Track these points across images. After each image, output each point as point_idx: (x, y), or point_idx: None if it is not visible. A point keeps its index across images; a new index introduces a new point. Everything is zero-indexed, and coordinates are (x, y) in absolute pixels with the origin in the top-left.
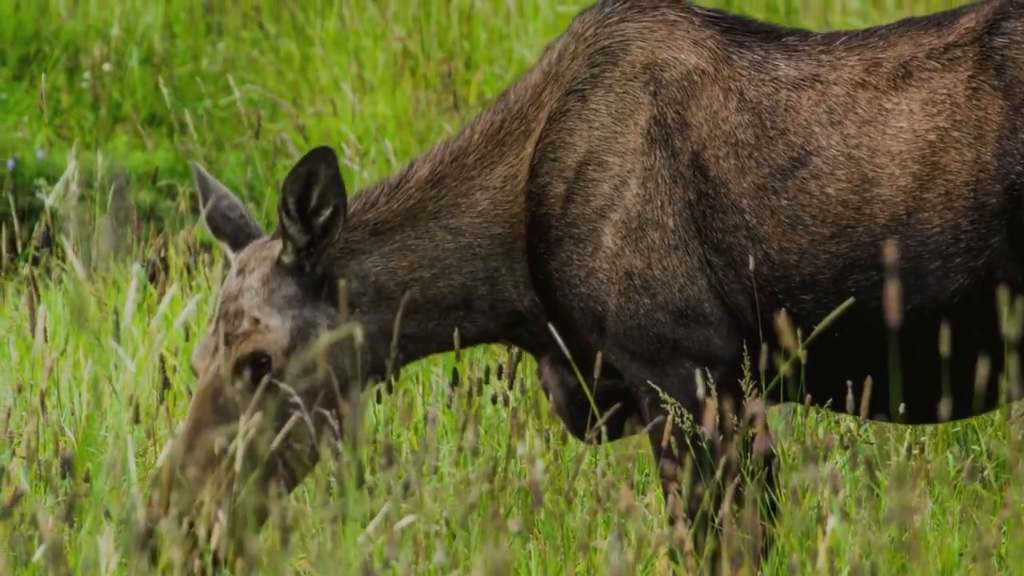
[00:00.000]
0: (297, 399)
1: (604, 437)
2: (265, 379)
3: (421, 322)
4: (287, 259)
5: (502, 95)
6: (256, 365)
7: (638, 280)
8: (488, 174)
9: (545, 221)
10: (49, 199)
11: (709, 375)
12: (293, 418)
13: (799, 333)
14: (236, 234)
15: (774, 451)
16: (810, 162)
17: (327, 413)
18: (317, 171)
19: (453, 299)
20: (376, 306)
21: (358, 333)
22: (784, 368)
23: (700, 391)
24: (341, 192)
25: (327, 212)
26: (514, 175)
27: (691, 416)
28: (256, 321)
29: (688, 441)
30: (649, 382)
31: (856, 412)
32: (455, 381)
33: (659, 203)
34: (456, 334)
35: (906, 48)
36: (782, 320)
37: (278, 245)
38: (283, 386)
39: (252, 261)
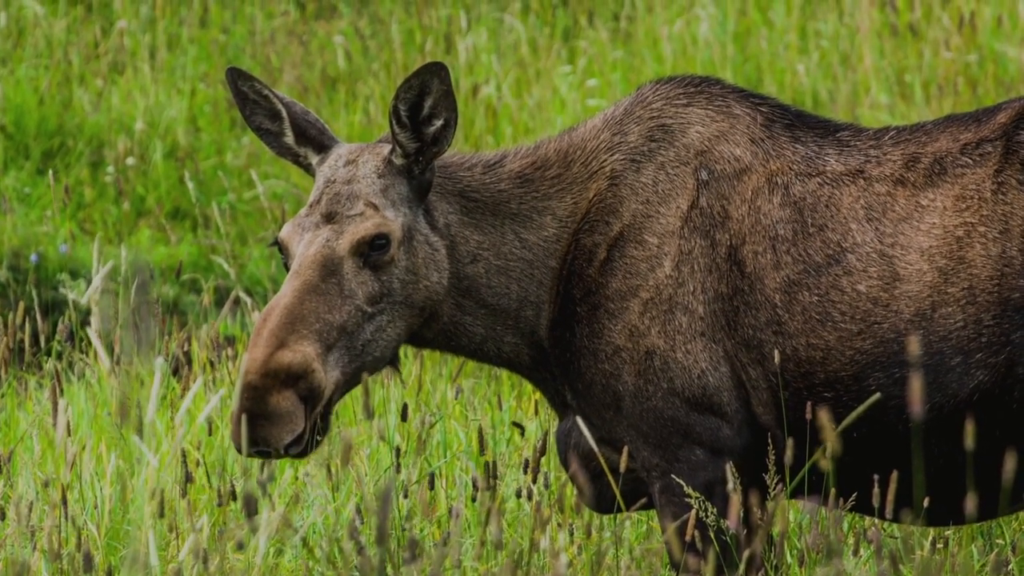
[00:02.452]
0: (397, 293)
1: (622, 504)
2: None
3: (476, 306)
4: (397, 161)
5: (566, 130)
6: (375, 246)
7: (658, 361)
8: (560, 199)
9: (586, 284)
10: (82, 296)
11: (715, 464)
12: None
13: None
14: (320, 138)
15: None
16: (844, 259)
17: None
18: (430, 84)
19: (508, 303)
20: (449, 254)
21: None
22: (812, 460)
23: (709, 478)
24: (452, 107)
25: (438, 123)
26: (573, 215)
27: (708, 503)
28: (374, 207)
29: (705, 533)
30: (660, 467)
31: (880, 515)
32: (486, 473)
33: (691, 288)
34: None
35: (944, 143)
36: (823, 416)
37: (388, 146)
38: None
39: (364, 155)
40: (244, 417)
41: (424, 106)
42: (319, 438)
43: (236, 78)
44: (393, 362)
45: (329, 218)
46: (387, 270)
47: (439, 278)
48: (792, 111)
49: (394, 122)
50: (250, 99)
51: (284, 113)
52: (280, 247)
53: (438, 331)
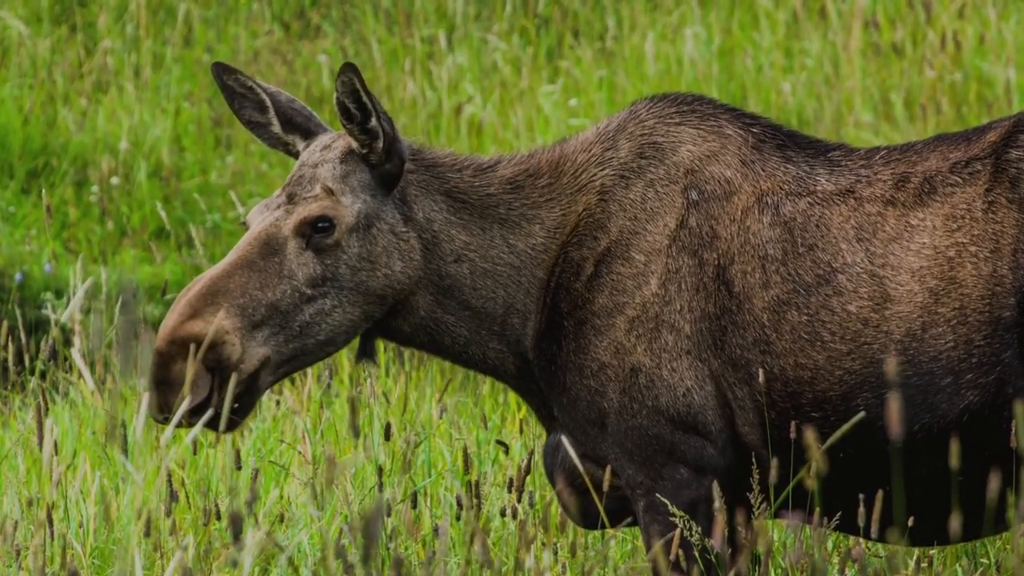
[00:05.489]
0: (346, 279)
1: (607, 521)
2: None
3: (458, 306)
4: (358, 150)
5: (558, 142)
6: (317, 228)
7: (644, 379)
8: (550, 209)
9: (573, 298)
10: (64, 315)
11: (699, 483)
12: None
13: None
14: (306, 124)
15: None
16: (835, 279)
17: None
18: (354, 82)
19: (494, 307)
20: (426, 250)
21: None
22: (796, 479)
23: (693, 497)
24: (373, 102)
25: (373, 120)
26: (562, 226)
27: (692, 521)
28: (330, 191)
29: (689, 552)
30: (644, 485)
31: (866, 534)
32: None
33: (678, 307)
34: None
35: (934, 162)
36: (809, 435)
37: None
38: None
39: (338, 141)
40: (151, 383)
41: (365, 103)
42: (238, 417)
43: (221, 72)
44: (371, 355)
45: (290, 199)
46: (332, 254)
47: (403, 268)
48: (784, 131)
49: (341, 118)
50: (237, 92)
51: (269, 103)
52: (247, 227)
53: (417, 326)
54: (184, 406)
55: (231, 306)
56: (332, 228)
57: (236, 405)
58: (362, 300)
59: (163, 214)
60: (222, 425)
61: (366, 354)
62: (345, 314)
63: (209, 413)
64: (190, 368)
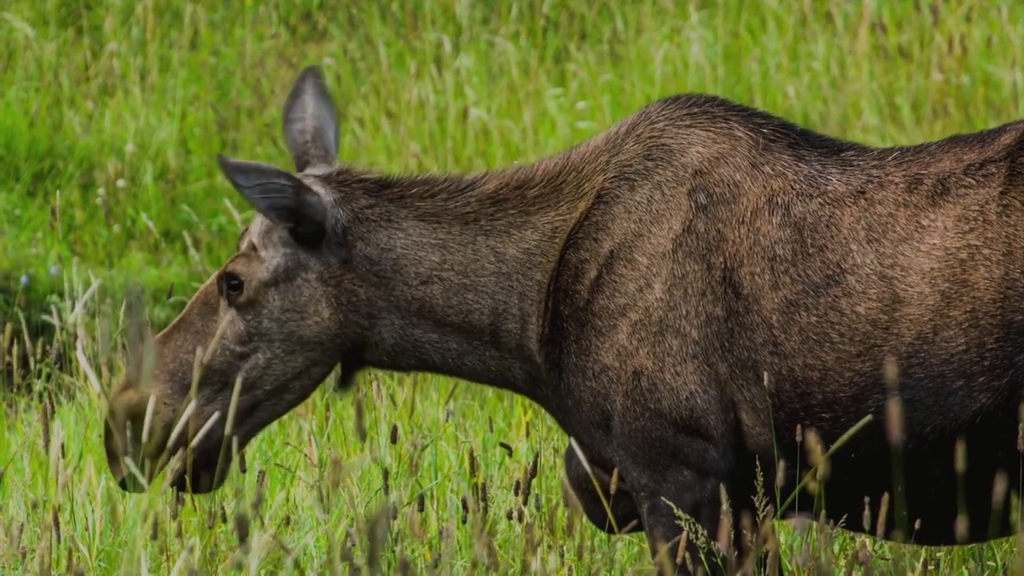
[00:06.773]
0: (269, 333)
1: (615, 527)
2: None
3: (434, 325)
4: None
5: (565, 151)
6: (229, 285)
7: (646, 382)
8: (542, 215)
9: (575, 301)
10: (70, 320)
11: (701, 486)
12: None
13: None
14: (305, 156)
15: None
16: (844, 280)
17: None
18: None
19: (480, 319)
20: (382, 281)
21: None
22: (802, 484)
23: (696, 499)
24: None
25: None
26: (561, 229)
27: (695, 524)
28: (253, 248)
29: (695, 554)
30: (648, 487)
31: (872, 532)
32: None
33: (684, 312)
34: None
35: (948, 164)
36: (812, 437)
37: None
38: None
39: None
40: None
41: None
42: (208, 474)
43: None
44: (347, 385)
45: (236, 249)
46: (252, 310)
47: (332, 314)
48: (796, 130)
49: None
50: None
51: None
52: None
53: (391, 353)
54: (118, 478)
55: (162, 373)
56: (242, 285)
57: (204, 463)
58: (299, 349)
59: (151, 224)
60: (189, 485)
61: (343, 384)
62: (285, 364)
63: (174, 474)
64: (146, 432)
